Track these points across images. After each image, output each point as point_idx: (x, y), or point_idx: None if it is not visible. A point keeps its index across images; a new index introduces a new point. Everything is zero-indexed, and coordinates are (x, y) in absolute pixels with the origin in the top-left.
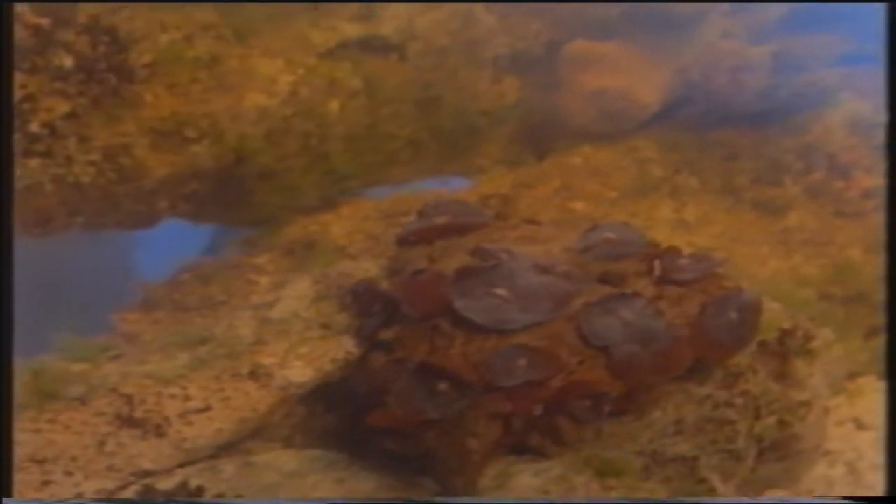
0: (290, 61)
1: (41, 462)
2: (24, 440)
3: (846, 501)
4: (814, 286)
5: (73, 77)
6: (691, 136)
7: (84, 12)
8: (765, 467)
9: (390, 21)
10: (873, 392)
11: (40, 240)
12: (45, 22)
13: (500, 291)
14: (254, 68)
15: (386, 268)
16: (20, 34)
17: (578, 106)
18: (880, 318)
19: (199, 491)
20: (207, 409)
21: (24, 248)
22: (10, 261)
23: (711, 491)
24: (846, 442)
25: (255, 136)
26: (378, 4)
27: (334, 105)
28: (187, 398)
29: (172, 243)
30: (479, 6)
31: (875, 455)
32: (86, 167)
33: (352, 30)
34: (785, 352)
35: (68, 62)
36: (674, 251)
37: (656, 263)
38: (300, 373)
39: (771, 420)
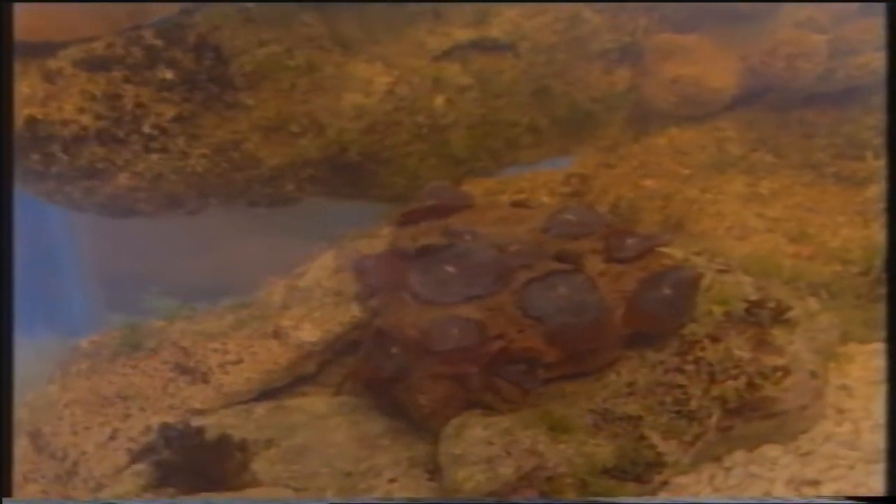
0: (390, 64)
1: (125, 398)
2: (114, 381)
3: (846, 501)
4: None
5: (177, 88)
6: (771, 116)
7: (193, 32)
8: (751, 425)
9: (500, 25)
10: None
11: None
12: (159, 43)
13: (449, 268)
14: (350, 73)
15: (387, 244)
16: (137, 54)
17: (662, 92)
18: None
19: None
20: (239, 361)
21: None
22: (10, 264)
23: (651, 447)
24: (864, 401)
25: (353, 129)
26: (490, 11)
27: (440, 100)
28: (225, 352)
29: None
30: (586, 9)
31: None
32: (199, 159)
33: (464, 34)
34: (759, 321)
35: (169, 75)
36: (625, 232)
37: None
38: (310, 333)
39: (739, 383)
